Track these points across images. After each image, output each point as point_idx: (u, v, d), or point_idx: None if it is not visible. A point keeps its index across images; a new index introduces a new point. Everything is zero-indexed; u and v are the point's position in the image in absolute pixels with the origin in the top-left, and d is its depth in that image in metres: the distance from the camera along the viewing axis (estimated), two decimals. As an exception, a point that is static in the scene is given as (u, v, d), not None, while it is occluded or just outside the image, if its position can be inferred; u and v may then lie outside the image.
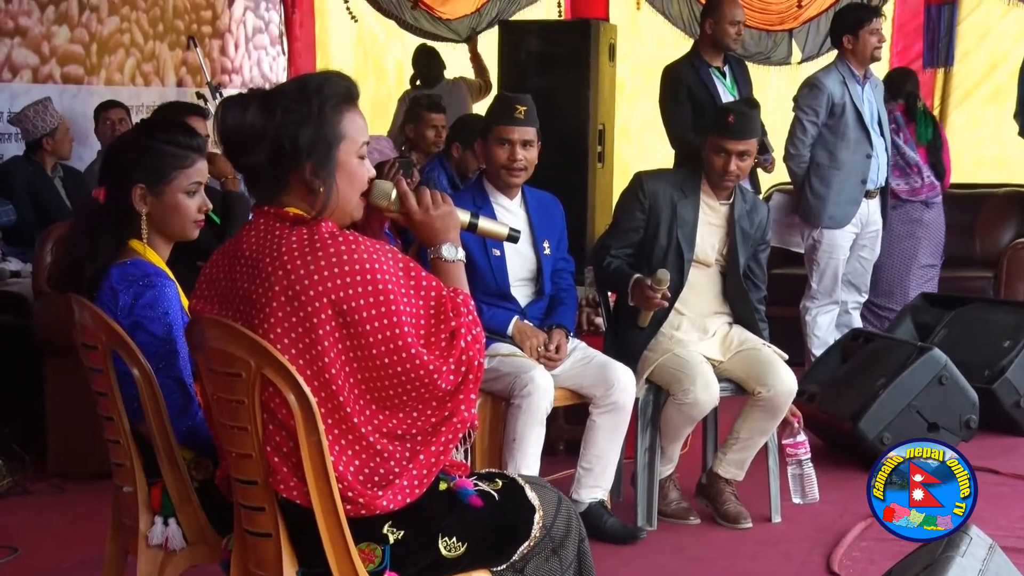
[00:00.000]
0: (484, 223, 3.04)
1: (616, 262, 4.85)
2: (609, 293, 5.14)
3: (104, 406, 3.11)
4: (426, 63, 9.09)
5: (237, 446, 2.68)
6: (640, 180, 4.91)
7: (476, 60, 9.47)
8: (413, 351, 2.57)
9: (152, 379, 2.98)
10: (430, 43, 9.50)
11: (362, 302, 2.54)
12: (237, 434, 2.66)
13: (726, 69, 6.79)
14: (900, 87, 7.37)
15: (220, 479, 2.89)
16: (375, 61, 10.47)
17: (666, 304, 4.67)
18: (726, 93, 6.60)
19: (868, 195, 6.74)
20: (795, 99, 6.79)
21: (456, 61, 9.43)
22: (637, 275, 4.73)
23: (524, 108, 4.66)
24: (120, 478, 3.18)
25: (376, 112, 9.74)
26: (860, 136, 6.62)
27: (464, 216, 2.94)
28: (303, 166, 2.63)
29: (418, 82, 9.04)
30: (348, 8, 9.76)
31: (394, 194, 2.83)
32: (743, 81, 6.86)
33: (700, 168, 4.90)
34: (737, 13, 6.65)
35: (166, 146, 3.19)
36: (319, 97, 2.64)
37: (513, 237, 3.15)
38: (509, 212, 4.72)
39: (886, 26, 7.42)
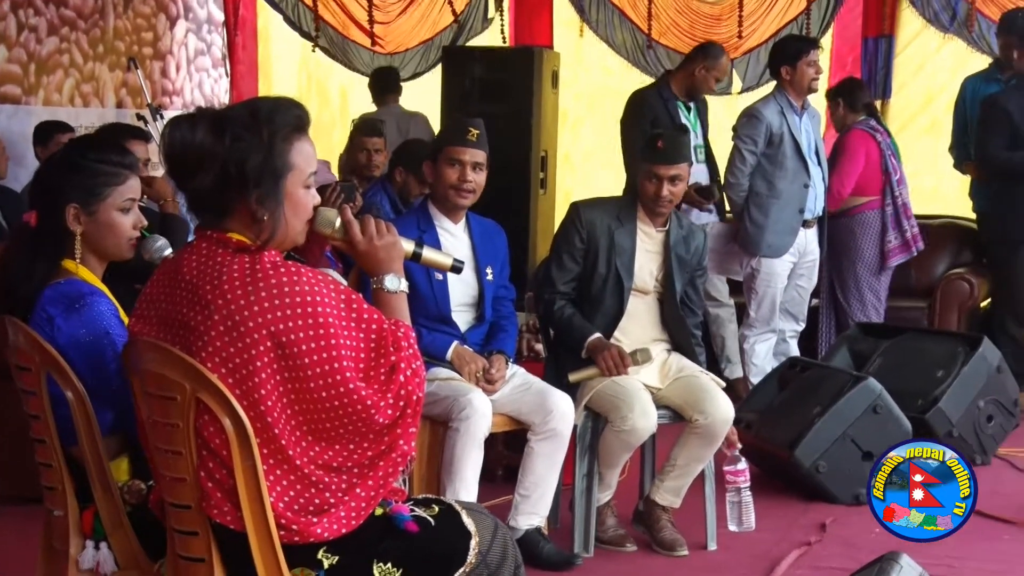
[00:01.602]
0: (428, 253, 3.04)
1: (568, 309, 4.85)
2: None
3: (37, 429, 3.07)
4: (379, 80, 9.03)
5: (171, 470, 2.66)
6: (577, 209, 4.93)
7: None
8: (351, 385, 2.56)
9: (85, 401, 2.95)
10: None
11: (301, 335, 2.53)
12: (171, 458, 2.64)
13: (691, 104, 6.89)
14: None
15: (154, 503, 2.86)
16: (319, 85, 10.45)
17: (627, 374, 4.69)
18: (690, 127, 6.69)
19: (806, 224, 6.82)
20: (734, 128, 6.86)
21: (416, 91, 9.34)
22: (599, 334, 4.75)
23: (477, 132, 4.68)
24: (52, 502, 3.14)
25: (319, 136, 9.67)
26: (798, 166, 6.70)
27: (408, 246, 2.93)
28: (249, 194, 2.61)
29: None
30: (310, 40, 9.64)
31: (338, 222, 2.82)
32: (704, 118, 6.96)
33: (635, 196, 4.93)
34: (726, 67, 6.76)
35: (98, 164, 3.17)
36: (270, 126, 2.62)
37: (456, 268, 3.15)
38: (453, 237, 4.73)
39: (824, 58, 7.53)
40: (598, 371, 4.70)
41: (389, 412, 2.60)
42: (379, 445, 2.62)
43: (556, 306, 4.86)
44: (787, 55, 6.73)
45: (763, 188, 6.74)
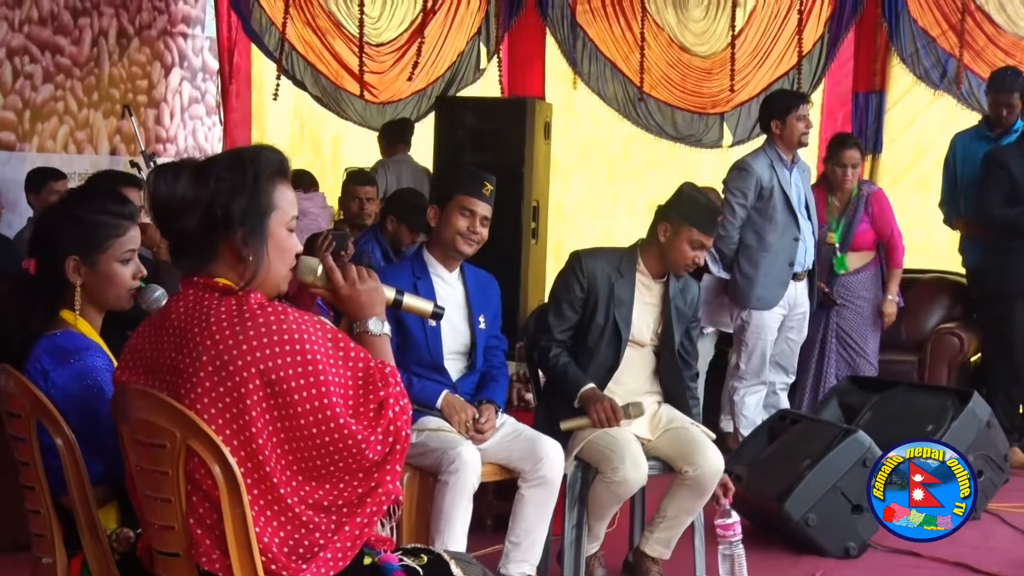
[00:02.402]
0: (409, 299, 3.08)
1: (564, 357, 4.85)
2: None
3: (27, 475, 3.06)
4: (390, 131, 9.06)
5: (160, 518, 2.65)
6: (579, 258, 4.94)
7: None
8: (341, 421, 2.57)
9: (75, 450, 2.94)
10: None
11: (291, 371, 2.54)
12: (160, 505, 2.64)
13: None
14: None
15: (142, 551, 2.85)
16: (311, 134, 10.50)
17: (619, 427, 4.68)
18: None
19: (796, 277, 6.84)
20: (724, 182, 6.90)
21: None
22: (592, 384, 4.75)
23: (491, 188, 4.72)
24: (40, 549, 3.12)
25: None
26: (788, 219, 6.73)
27: (389, 292, 2.98)
28: (235, 234, 2.64)
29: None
30: (277, 87, 9.71)
31: (320, 270, 2.87)
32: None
33: (635, 248, 4.94)
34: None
35: (98, 215, 3.17)
36: (253, 167, 2.66)
37: (437, 314, 3.19)
38: (448, 285, 4.74)
39: (815, 113, 7.58)
40: (589, 422, 4.70)
41: (379, 448, 2.62)
42: (368, 482, 2.63)
43: (551, 353, 4.86)
44: (777, 109, 6.77)
45: (753, 241, 6.76)
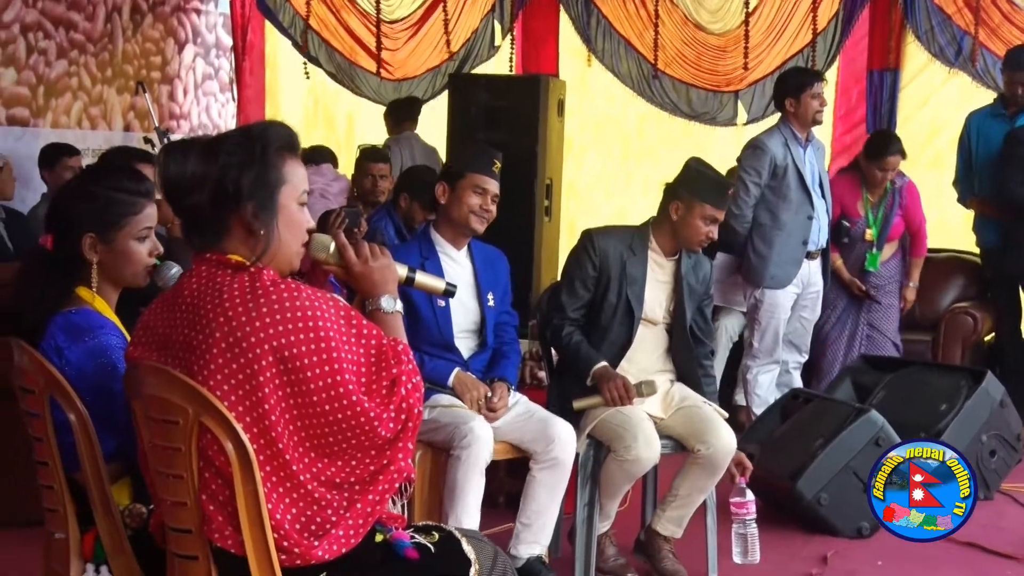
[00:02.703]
0: (421, 277, 3.09)
1: (577, 335, 4.84)
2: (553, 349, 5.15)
3: (40, 451, 3.07)
4: (398, 109, 9.08)
5: (172, 494, 2.66)
6: (590, 237, 4.93)
7: None
8: (354, 398, 2.58)
9: (89, 426, 2.95)
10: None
11: (304, 348, 2.55)
12: (172, 482, 2.64)
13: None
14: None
15: (154, 527, 2.86)
16: (325, 111, 10.50)
17: (632, 405, 4.67)
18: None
19: (809, 256, 6.82)
20: (738, 160, 6.87)
21: (422, 117, 9.36)
22: (605, 363, 4.75)
23: (499, 164, 4.72)
24: (53, 524, 3.14)
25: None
26: (802, 198, 6.71)
27: (401, 270, 2.98)
28: (245, 207, 2.65)
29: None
30: (305, 66, 9.77)
31: (332, 247, 2.87)
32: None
33: (647, 226, 4.93)
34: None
35: (115, 193, 3.17)
36: (262, 141, 2.68)
37: (450, 292, 3.21)
38: (456, 263, 4.74)
39: (829, 91, 7.53)
40: (602, 400, 4.70)
41: (391, 425, 2.63)
42: (380, 459, 2.64)
43: (564, 331, 4.86)
44: (791, 87, 6.74)
45: (767, 219, 6.74)
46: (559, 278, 5.16)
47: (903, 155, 7.21)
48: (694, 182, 4.84)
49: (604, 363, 4.76)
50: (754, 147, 6.77)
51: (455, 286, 3.24)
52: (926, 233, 7.39)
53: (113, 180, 3.21)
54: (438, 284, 3.17)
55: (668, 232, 4.87)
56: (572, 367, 4.85)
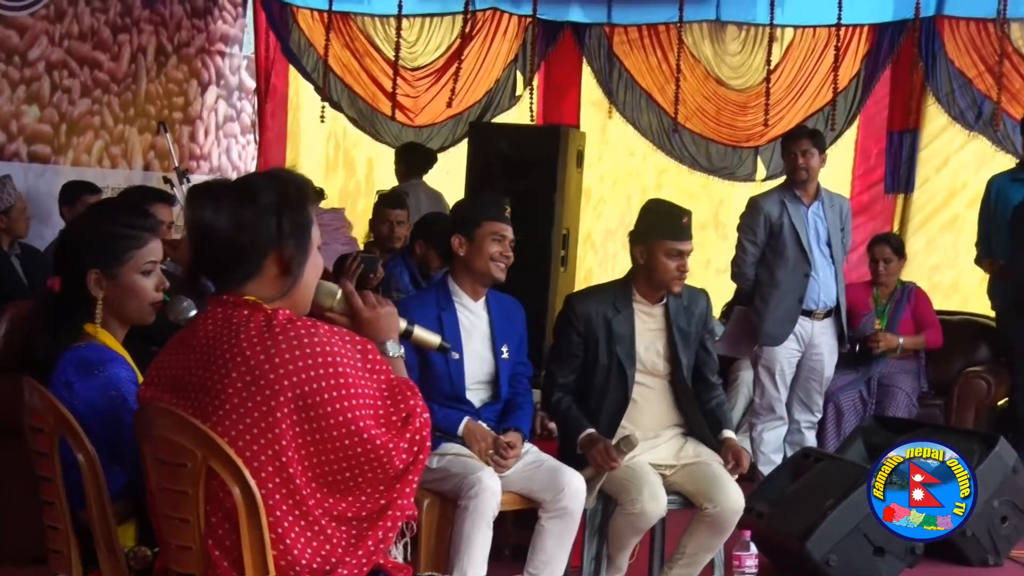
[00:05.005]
0: (419, 331, 3.13)
1: (567, 401, 4.84)
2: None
3: (47, 490, 3.07)
4: (415, 158, 9.09)
5: (178, 538, 2.66)
6: (570, 303, 4.94)
7: None
8: (372, 432, 2.60)
9: (96, 466, 2.94)
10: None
11: (322, 384, 2.56)
12: (179, 525, 2.64)
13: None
14: None
15: (159, 570, 2.85)
16: (346, 154, 10.54)
17: (618, 466, 4.65)
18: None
19: (812, 316, 6.83)
20: (740, 218, 6.97)
21: (440, 165, 9.38)
22: (591, 430, 4.73)
23: (509, 209, 4.74)
24: (56, 565, 3.12)
25: (344, 205, 9.77)
26: (798, 256, 6.77)
27: (401, 322, 3.01)
28: (286, 245, 2.68)
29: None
30: (323, 109, 9.83)
31: (339, 294, 2.91)
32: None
33: (628, 278, 4.93)
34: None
35: (118, 228, 3.18)
36: (294, 183, 2.74)
37: (444, 348, 3.25)
38: (473, 314, 4.75)
39: (848, 150, 7.57)
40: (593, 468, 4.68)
41: (404, 456, 2.64)
42: (391, 493, 2.65)
43: (554, 398, 4.87)
44: (782, 147, 6.91)
45: (765, 277, 6.85)
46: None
47: (893, 247, 7.52)
48: (649, 222, 4.88)
49: (588, 431, 4.73)
50: (750, 207, 6.91)
51: (449, 343, 3.29)
52: (940, 331, 7.53)
53: (115, 216, 3.23)
54: (433, 339, 3.21)
55: (644, 279, 4.87)
56: (568, 437, 4.84)
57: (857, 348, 7.31)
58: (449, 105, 9.77)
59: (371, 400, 2.62)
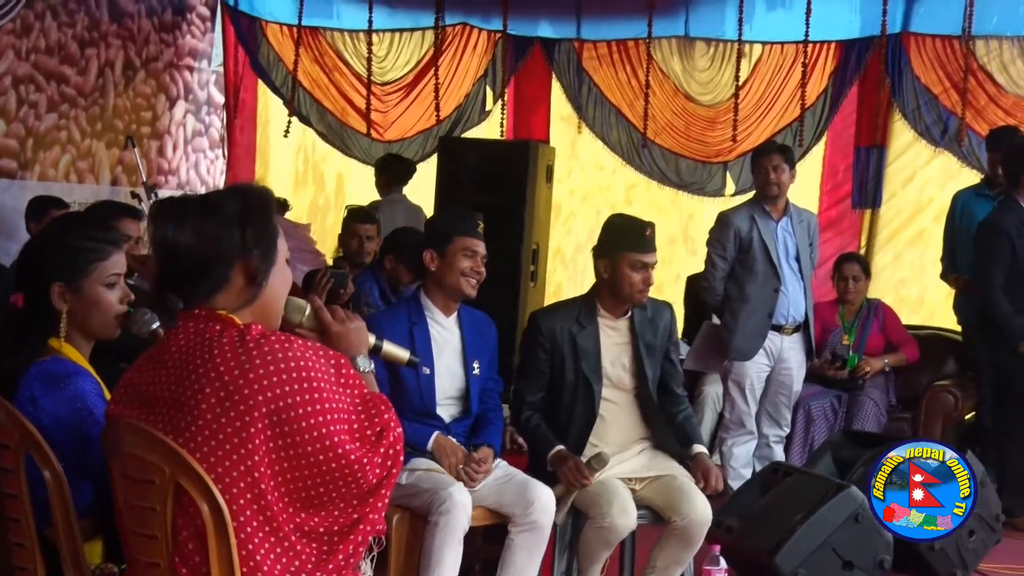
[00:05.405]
0: (388, 346, 3.16)
1: (536, 419, 4.85)
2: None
3: (12, 508, 3.04)
4: (393, 170, 9.06)
5: (146, 554, 2.64)
6: (536, 320, 4.95)
7: None
8: (347, 447, 2.60)
9: (63, 483, 2.92)
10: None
11: (297, 399, 2.56)
12: (147, 542, 2.63)
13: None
14: None
15: (126, 587, 2.84)
16: (315, 169, 10.52)
17: (589, 484, 4.65)
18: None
19: (782, 330, 6.86)
20: (709, 233, 7.01)
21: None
22: (560, 447, 4.73)
23: (482, 225, 4.73)
24: (22, 583, 3.11)
25: (314, 220, 9.76)
26: (768, 271, 6.79)
27: (370, 337, 3.02)
28: (251, 255, 2.68)
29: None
30: (288, 124, 9.79)
31: (308, 309, 2.92)
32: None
33: (592, 293, 4.94)
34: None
35: (81, 240, 3.17)
36: (258, 195, 2.76)
37: (412, 363, 3.27)
38: (444, 329, 4.74)
39: (815, 166, 7.60)
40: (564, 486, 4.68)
41: (378, 471, 2.65)
42: (363, 507, 2.65)
43: (523, 416, 4.87)
44: (752, 160, 6.94)
45: (734, 292, 6.88)
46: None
47: (861, 265, 7.64)
48: (613, 235, 4.91)
49: (557, 448, 4.74)
50: (719, 221, 6.95)
51: (418, 359, 3.32)
52: (915, 347, 7.57)
53: (78, 229, 3.23)
54: (402, 354, 3.22)
55: (608, 293, 4.89)
56: (535, 453, 4.84)
57: (839, 365, 7.32)
58: (420, 119, 9.77)
59: (345, 415, 2.62)
